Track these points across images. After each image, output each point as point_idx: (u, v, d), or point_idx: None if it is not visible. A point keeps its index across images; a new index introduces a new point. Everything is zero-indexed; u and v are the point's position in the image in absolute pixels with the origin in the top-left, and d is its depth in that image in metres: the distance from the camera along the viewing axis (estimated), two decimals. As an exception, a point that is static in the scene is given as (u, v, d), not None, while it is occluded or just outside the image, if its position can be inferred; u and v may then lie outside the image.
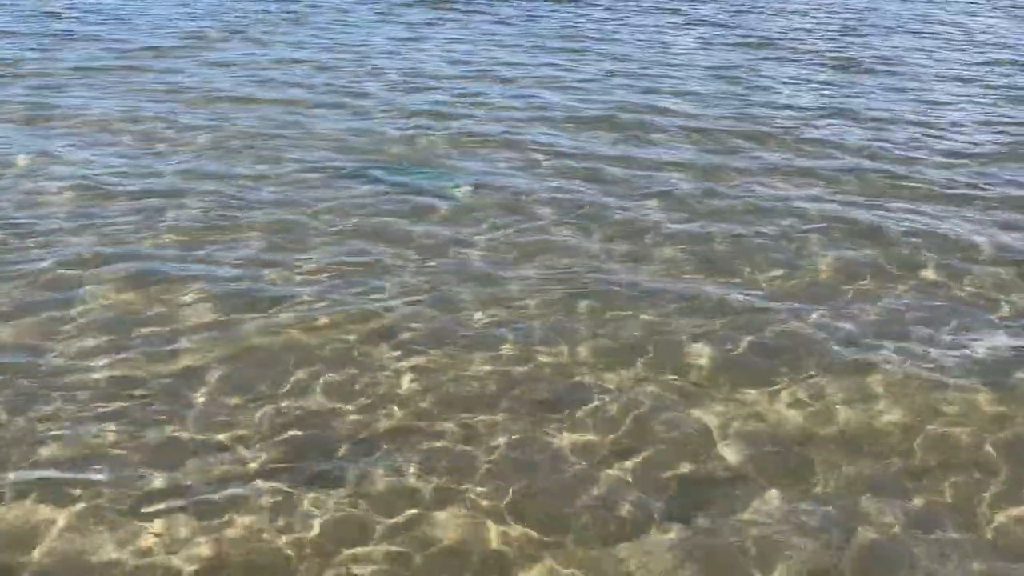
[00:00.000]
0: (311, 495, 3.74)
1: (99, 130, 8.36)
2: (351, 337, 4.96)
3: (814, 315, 5.43)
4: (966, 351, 5.05)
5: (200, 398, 4.36)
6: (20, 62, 10.61)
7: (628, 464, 4.03)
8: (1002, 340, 5.19)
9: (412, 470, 3.92)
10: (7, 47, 11.32)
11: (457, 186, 6.97)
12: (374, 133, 8.61)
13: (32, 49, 11.29)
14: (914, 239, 6.62)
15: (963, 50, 14.08)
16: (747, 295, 5.65)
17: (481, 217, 6.66)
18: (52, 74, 10.15)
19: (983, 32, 15.85)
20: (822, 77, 11.81)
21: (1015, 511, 3.83)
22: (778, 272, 6.01)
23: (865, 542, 3.62)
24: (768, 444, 4.21)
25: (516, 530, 3.58)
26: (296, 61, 11.39)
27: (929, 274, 6.09)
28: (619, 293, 5.58)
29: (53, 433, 4.05)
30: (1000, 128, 9.60)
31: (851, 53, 13.42)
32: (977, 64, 13.00)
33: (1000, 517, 3.80)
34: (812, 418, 4.40)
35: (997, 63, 13.15)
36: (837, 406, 4.51)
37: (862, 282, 5.94)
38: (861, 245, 6.50)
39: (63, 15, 13.44)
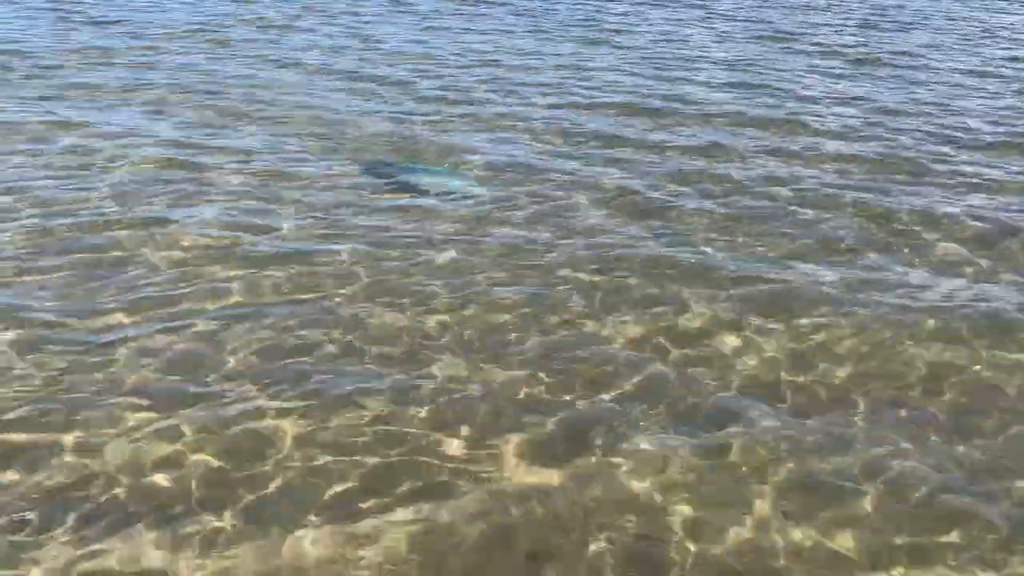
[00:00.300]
0: (329, 428, 4.06)
1: (137, 108, 8.75)
2: (366, 295, 5.28)
3: (797, 276, 5.81)
4: (925, 306, 5.44)
5: (232, 342, 4.74)
6: (64, 50, 11.04)
7: (628, 391, 4.45)
8: (959, 301, 5.58)
9: (431, 407, 4.24)
10: (55, 32, 11.76)
11: (472, 183, 7.04)
12: (392, 120, 8.89)
13: (65, 33, 11.72)
14: (904, 215, 6.88)
15: (983, 45, 14.16)
16: (745, 262, 5.95)
17: (498, 198, 6.92)
18: (89, 57, 10.56)
19: (1004, 28, 15.89)
20: (838, 70, 11.97)
21: (953, 437, 4.24)
22: (774, 242, 6.34)
23: (831, 463, 4.00)
24: (752, 381, 4.65)
25: (535, 461, 3.95)
26: (326, 48, 11.74)
27: (909, 244, 6.41)
28: (632, 261, 5.88)
29: (105, 375, 4.42)
30: (1009, 121, 9.72)
31: (869, 48, 13.55)
32: (996, 59, 13.09)
33: (943, 445, 4.17)
34: (789, 359, 4.87)
35: (1015, 59, 13.22)
36: (808, 350, 4.97)
37: (848, 250, 6.28)
38: (852, 220, 6.78)
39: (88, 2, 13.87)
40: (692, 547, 3.53)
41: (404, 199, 6.76)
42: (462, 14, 14.70)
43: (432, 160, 7.68)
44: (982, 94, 10.88)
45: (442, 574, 3.36)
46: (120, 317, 4.93)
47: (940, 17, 16.92)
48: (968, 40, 14.61)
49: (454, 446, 4.02)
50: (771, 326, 5.16)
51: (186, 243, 5.84)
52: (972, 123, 9.51)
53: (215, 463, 3.85)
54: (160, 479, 3.75)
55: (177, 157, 7.43)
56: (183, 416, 4.13)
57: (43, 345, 4.62)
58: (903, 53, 13.19)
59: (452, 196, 6.79)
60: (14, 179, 6.81)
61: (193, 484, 3.73)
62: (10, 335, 4.69)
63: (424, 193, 6.84)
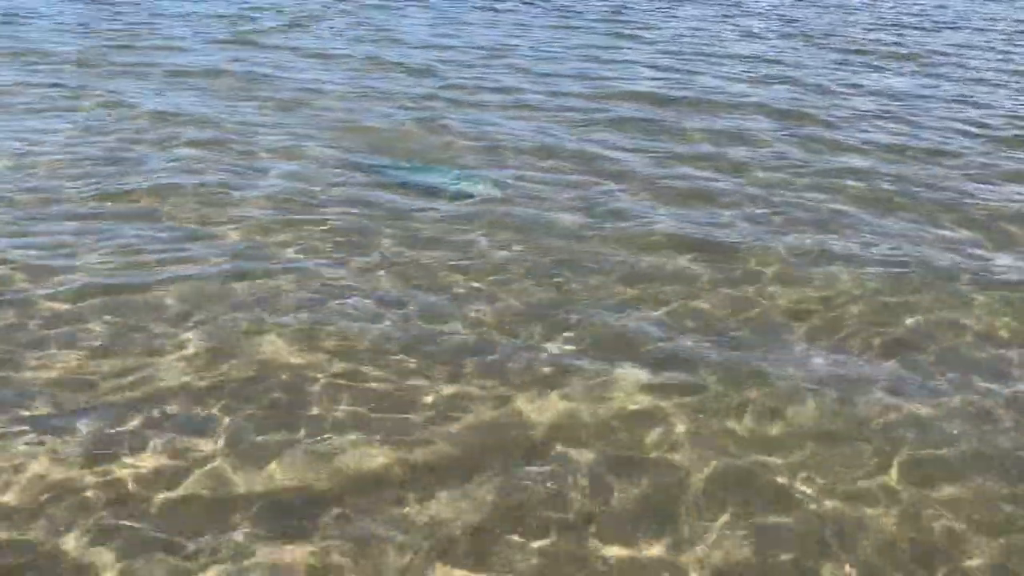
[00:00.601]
0: (358, 374, 4.41)
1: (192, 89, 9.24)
2: (380, 266, 5.63)
3: (789, 242, 6.19)
4: (903, 271, 5.82)
5: (258, 298, 5.09)
6: (107, 38, 11.59)
7: (612, 341, 4.71)
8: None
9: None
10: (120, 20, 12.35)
11: (477, 182, 6.92)
12: (410, 115, 9.00)
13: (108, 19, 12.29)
14: (908, 198, 7.10)
15: (1020, 45, 14.11)
16: (745, 235, 6.21)
17: (515, 184, 7.23)
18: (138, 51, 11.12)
19: (1045, 29, 15.80)
20: (865, 66, 12.06)
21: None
22: (775, 215, 6.69)
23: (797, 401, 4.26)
24: (738, 333, 5.03)
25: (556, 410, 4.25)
26: (351, 44, 12.12)
27: (911, 221, 6.71)
28: (646, 239, 6.17)
29: (153, 321, 4.82)
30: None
31: (901, 46, 13.57)
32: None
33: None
34: (768, 316, 5.27)
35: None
36: (786, 290, 5.50)
37: (845, 225, 6.58)
38: (856, 199, 7.07)
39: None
40: (653, 469, 3.83)
41: (419, 196, 6.78)
42: (489, 10, 15.00)
43: (449, 157, 7.73)
44: (1008, 91, 10.91)
45: (432, 484, 3.66)
46: (163, 270, 5.39)
47: (978, 18, 16.85)
48: (1007, 40, 14.56)
49: (457, 386, 4.37)
50: (758, 288, 5.51)
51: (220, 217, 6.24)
52: (990, 118, 9.57)
53: (246, 393, 4.25)
54: (194, 401, 4.17)
55: (218, 140, 7.83)
56: (221, 354, 4.53)
57: (99, 293, 5.07)
58: (935, 52, 13.21)
59: (469, 199, 6.70)
60: (70, 152, 7.30)
61: (224, 405, 4.15)
62: (72, 284, 5.14)
63: (439, 193, 6.80)
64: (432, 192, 6.81)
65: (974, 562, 3.44)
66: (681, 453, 3.96)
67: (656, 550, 3.43)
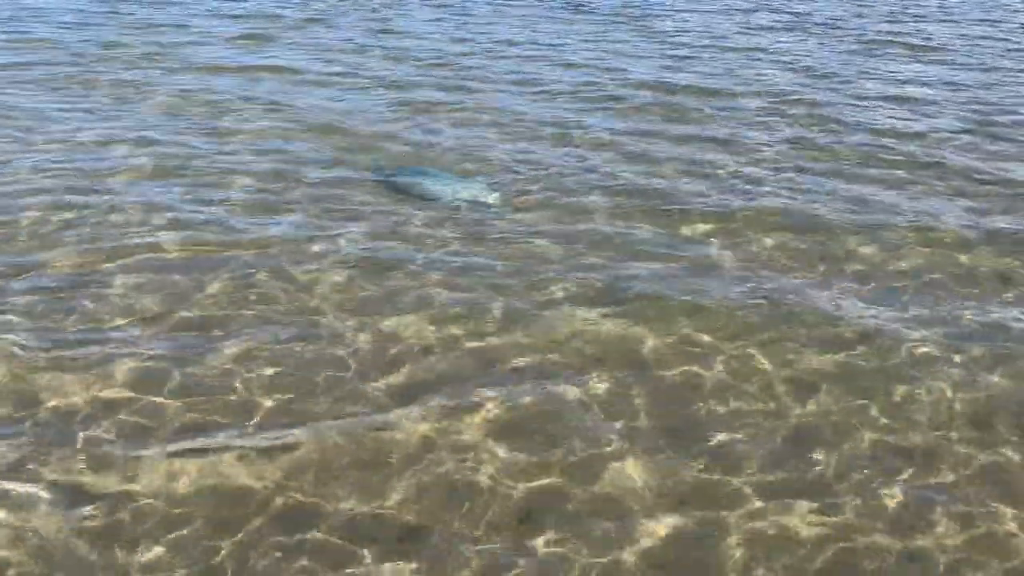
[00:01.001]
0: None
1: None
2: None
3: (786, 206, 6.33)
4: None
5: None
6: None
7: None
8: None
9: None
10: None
11: (489, 190, 6.77)
12: (411, 115, 8.87)
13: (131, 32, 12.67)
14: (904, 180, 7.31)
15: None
16: (745, 204, 6.58)
17: (519, 185, 7.32)
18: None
19: (1063, 22, 15.67)
20: (881, 56, 12.09)
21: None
22: (777, 188, 7.10)
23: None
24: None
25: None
26: (355, 43, 12.28)
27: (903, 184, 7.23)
28: (655, 213, 6.57)
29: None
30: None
31: (920, 37, 13.55)
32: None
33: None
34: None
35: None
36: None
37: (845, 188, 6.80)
38: (847, 175, 7.31)
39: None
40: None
41: (415, 203, 6.68)
42: (503, 4, 15.14)
43: (451, 159, 7.60)
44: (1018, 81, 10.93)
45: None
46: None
47: (1000, 10, 16.74)
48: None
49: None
50: (756, 243, 6.14)
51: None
52: (990, 108, 9.60)
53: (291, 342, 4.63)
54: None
55: (231, 132, 8.21)
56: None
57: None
58: (948, 43, 13.18)
59: (467, 203, 6.59)
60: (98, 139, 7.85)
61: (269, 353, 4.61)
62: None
63: (436, 199, 6.66)
64: (438, 195, 6.72)
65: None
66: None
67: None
